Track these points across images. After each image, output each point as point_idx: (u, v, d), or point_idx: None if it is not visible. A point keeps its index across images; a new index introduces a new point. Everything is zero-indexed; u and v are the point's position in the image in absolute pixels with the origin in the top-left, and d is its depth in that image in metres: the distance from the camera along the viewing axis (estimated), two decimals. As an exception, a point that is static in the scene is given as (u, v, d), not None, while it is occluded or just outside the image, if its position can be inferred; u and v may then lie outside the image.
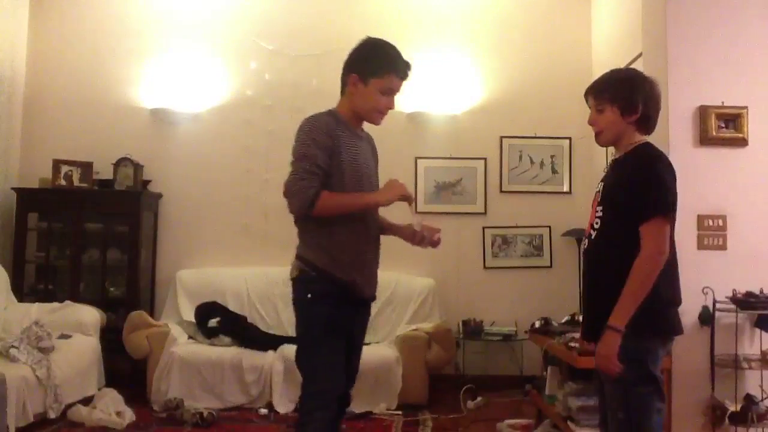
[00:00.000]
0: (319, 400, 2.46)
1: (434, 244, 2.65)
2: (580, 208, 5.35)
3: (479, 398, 4.82)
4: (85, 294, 5.30)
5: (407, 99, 5.38)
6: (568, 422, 3.42)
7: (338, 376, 2.51)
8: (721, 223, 3.56)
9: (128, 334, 4.84)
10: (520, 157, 5.76)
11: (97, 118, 5.70)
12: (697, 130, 3.59)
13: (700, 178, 3.55)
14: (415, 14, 5.79)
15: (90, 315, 4.86)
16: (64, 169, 5.40)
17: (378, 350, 4.78)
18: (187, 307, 5.25)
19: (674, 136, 3.56)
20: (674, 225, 2.31)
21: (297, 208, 2.45)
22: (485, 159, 5.74)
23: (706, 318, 3.45)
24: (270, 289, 5.32)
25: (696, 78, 3.61)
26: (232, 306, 5.28)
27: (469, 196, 5.74)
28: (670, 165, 2.34)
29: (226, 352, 4.78)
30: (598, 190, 2.47)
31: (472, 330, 5.30)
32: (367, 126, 2.69)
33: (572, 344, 3.39)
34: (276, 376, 4.61)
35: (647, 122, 2.40)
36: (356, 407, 4.27)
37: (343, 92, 2.62)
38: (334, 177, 2.48)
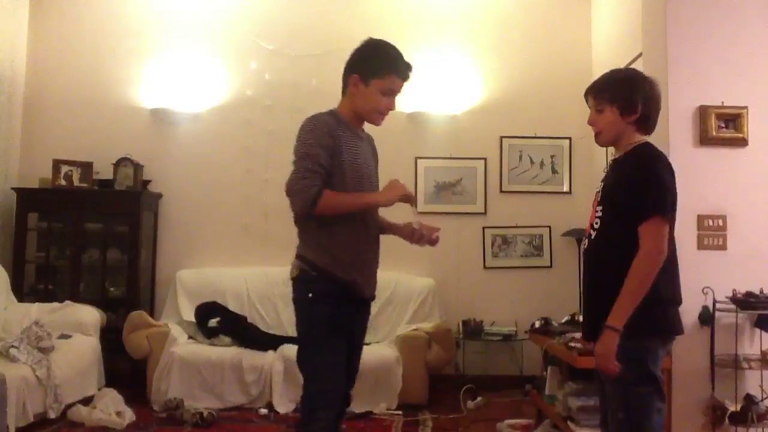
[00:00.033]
0: (322, 399, 2.46)
1: (433, 242, 2.65)
2: (580, 208, 5.36)
3: (479, 398, 4.82)
4: (85, 294, 5.30)
5: (407, 99, 5.38)
6: (568, 422, 3.42)
7: (340, 376, 2.51)
8: (721, 223, 3.56)
9: (128, 334, 4.84)
10: (520, 157, 5.76)
11: (97, 118, 5.70)
12: (697, 130, 3.60)
13: (700, 178, 3.55)
14: (415, 14, 5.79)
15: (90, 315, 4.86)
16: (64, 169, 5.40)
17: (378, 350, 4.78)
18: (187, 307, 5.25)
19: (674, 136, 3.56)
20: (674, 225, 2.32)
21: (299, 207, 2.45)
22: (485, 159, 5.74)
23: (706, 318, 3.45)
24: (270, 289, 5.32)
25: (696, 78, 3.61)
26: (232, 306, 5.28)
27: (469, 196, 5.74)
28: (669, 165, 2.35)
29: (226, 352, 4.78)
30: (598, 190, 2.47)
31: (472, 330, 5.30)
32: (367, 126, 2.69)
33: (572, 344, 3.39)
34: (276, 376, 4.61)
35: (647, 122, 2.40)
36: (356, 407, 4.27)
37: (344, 93, 2.63)
38: (335, 177, 2.48)
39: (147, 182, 5.57)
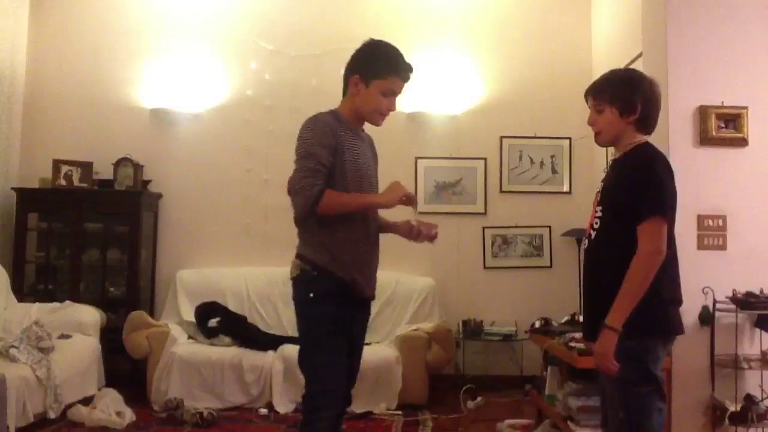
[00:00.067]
0: (323, 399, 2.46)
1: (432, 239, 2.65)
2: (580, 208, 5.36)
3: (479, 398, 4.82)
4: (85, 294, 5.31)
5: (407, 99, 5.37)
6: (568, 422, 3.42)
7: (341, 376, 2.51)
8: (721, 223, 3.56)
9: (128, 334, 4.83)
10: (520, 157, 5.76)
11: (97, 118, 5.70)
12: (697, 130, 3.60)
13: (700, 178, 3.56)
14: (415, 14, 5.79)
15: (90, 315, 4.86)
16: (64, 169, 5.40)
17: (378, 350, 4.77)
18: (187, 307, 5.25)
19: (674, 136, 3.57)
20: (673, 225, 2.31)
21: (301, 206, 2.45)
22: (485, 159, 5.74)
23: (706, 318, 3.45)
24: (270, 289, 5.32)
25: (696, 78, 3.61)
26: (232, 306, 5.28)
27: (469, 196, 5.74)
28: (668, 165, 2.35)
29: (226, 352, 4.78)
30: (598, 190, 2.47)
31: (472, 330, 5.30)
32: (367, 126, 2.69)
33: (572, 344, 3.39)
34: (276, 376, 4.61)
35: (646, 122, 2.40)
36: (356, 407, 4.28)
37: (344, 93, 2.63)
38: (336, 177, 2.48)
39: (147, 182, 5.57)
